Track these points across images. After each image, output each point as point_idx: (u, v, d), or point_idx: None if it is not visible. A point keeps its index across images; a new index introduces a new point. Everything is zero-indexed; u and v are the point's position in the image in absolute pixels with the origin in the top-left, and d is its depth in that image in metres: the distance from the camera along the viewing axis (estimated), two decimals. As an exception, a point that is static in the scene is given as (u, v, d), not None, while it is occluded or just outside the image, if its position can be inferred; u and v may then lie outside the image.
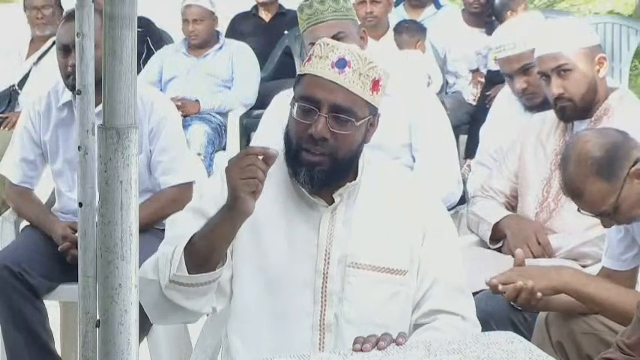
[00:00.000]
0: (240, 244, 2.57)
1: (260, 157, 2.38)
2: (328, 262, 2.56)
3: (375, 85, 2.53)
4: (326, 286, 2.56)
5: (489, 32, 6.55)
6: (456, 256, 2.68)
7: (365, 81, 2.50)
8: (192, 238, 2.46)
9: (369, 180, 2.61)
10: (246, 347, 2.57)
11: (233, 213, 2.41)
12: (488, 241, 3.67)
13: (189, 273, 2.45)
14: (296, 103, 2.52)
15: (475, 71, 6.94)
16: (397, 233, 2.61)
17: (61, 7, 6.42)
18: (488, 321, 3.04)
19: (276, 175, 2.55)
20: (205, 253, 2.45)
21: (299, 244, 2.57)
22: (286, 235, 2.57)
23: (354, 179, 2.59)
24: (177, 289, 2.47)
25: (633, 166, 2.79)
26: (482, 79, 6.73)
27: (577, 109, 3.56)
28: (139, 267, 1.56)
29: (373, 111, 2.56)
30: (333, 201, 2.58)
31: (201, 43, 6.58)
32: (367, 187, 2.61)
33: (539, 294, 2.83)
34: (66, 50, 3.83)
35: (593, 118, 3.57)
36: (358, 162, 2.59)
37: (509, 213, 3.70)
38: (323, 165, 2.50)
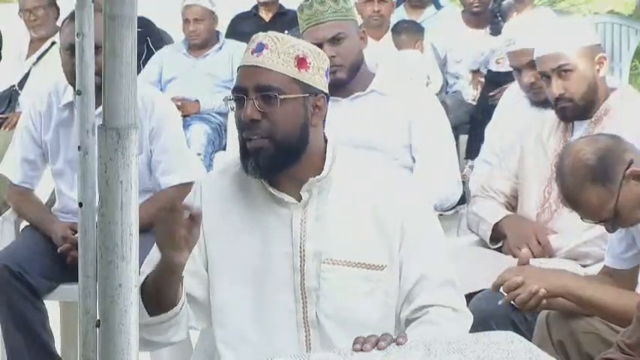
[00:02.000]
0: (215, 254, 2.58)
1: (185, 214, 2.36)
2: (304, 259, 2.55)
3: (302, 62, 2.51)
4: (304, 283, 2.55)
5: (494, 33, 6.57)
6: (440, 249, 2.64)
7: (286, 59, 2.50)
8: (144, 280, 2.46)
9: (342, 175, 2.58)
10: (235, 354, 2.56)
11: (165, 265, 2.41)
12: (488, 241, 3.67)
13: (147, 313, 2.45)
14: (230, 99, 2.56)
15: (475, 72, 6.94)
16: (373, 228, 2.57)
17: (56, 6, 6.41)
18: (488, 321, 3.04)
19: (246, 178, 2.55)
20: (154, 298, 2.45)
21: (274, 242, 2.56)
22: (260, 236, 2.56)
23: (319, 174, 2.56)
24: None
25: (628, 167, 2.79)
26: (483, 80, 6.73)
27: (577, 109, 3.56)
28: (139, 267, 1.56)
29: (309, 90, 2.53)
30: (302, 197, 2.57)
31: (201, 43, 6.58)
32: (340, 182, 2.58)
33: (542, 290, 2.83)
34: (72, 50, 3.81)
35: (593, 119, 3.57)
36: (325, 155, 2.56)
37: (510, 213, 3.70)
38: (266, 150, 2.49)
